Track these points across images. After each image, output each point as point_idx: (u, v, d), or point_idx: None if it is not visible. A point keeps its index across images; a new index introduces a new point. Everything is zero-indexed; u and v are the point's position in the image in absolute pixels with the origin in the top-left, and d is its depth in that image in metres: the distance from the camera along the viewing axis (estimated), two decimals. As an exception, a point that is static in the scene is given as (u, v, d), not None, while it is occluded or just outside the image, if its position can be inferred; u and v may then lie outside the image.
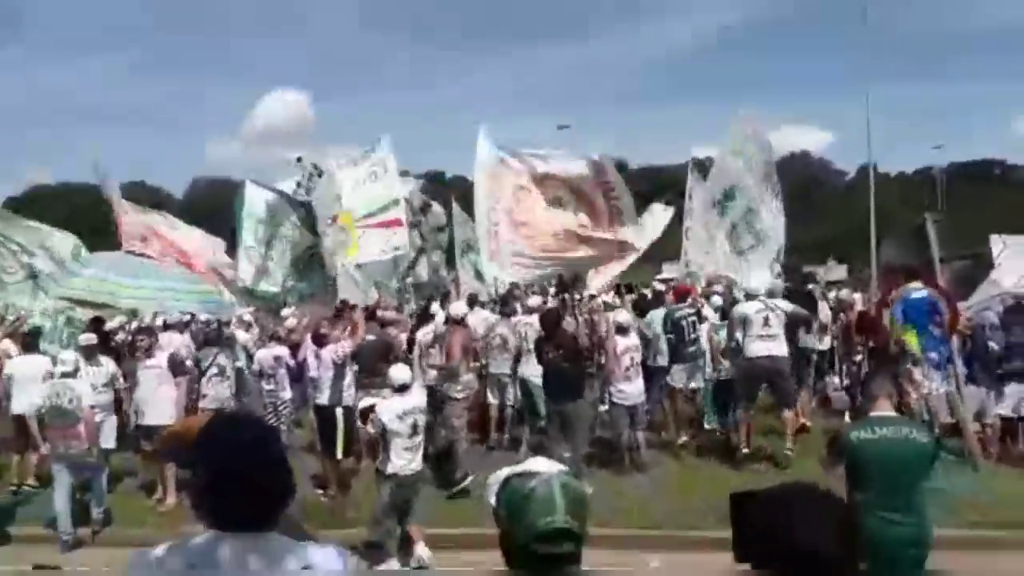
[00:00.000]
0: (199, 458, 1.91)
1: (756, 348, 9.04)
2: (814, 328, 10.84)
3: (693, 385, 9.87)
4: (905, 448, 4.36)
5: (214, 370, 9.54)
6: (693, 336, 9.77)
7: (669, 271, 24.30)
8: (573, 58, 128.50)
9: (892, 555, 4.13)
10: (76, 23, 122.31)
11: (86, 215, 60.11)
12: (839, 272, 33.06)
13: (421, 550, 6.91)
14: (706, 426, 10.24)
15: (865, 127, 12.52)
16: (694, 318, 9.84)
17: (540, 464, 2.04)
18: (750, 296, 9.73)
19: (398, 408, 6.83)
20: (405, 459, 6.78)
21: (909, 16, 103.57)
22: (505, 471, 2.06)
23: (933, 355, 8.61)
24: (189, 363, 9.18)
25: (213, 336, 10.23)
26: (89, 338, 8.84)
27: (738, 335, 9.28)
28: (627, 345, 9.16)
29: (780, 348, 9.11)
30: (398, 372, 7.12)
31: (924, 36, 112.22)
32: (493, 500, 2.00)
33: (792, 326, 9.41)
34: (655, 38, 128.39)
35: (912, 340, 8.54)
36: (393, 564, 6.82)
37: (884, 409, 4.58)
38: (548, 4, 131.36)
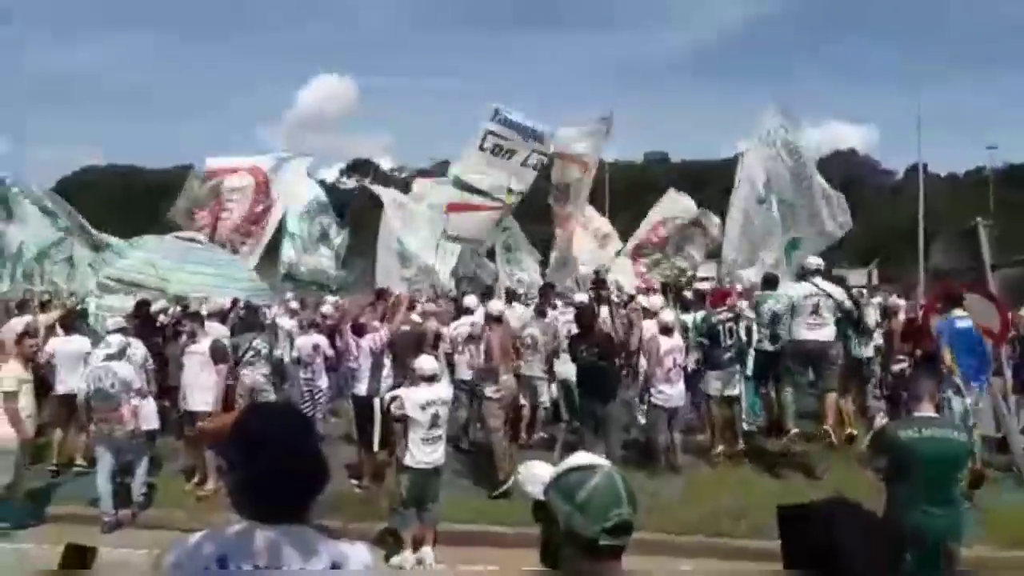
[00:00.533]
0: (234, 449, 1.96)
1: (803, 334, 8.88)
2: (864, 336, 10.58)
3: (728, 392, 9.50)
4: (947, 447, 4.78)
5: (250, 354, 9.67)
6: (729, 343, 9.47)
7: (705, 270, 23.96)
8: (613, 49, 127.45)
9: (934, 545, 4.62)
10: (118, 3, 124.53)
11: (134, 197, 61.55)
12: (859, 277, 32.01)
13: (425, 552, 6.99)
14: (744, 427, 10.00)
15: (915, 125, 12.09)
16: (731, 323, 9.56)
17: (590, 458, 2.05)
18: (800, 275, 9.42)
19: (421, 398, 6.86)
20: (424, 451, 6.82)
21: (963, 10, 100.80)
22: (540, 467, 2.07)
23: (982, 382, 8.42)
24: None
25: (250, 321, 10.38)
26: (118, 322, 8.94)
27: (785, 318, 9.19)
28: (671, 346, 9.07)
29: (829, 335, 8.91)
30: (425, 363, 7.13)
31: (978, 32, 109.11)
32: (541, 494, 1.98)
33: (841, 315, 9.10)
34: (702, 26, 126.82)
35: (956, 368, 8.25)
36: (407, 556, 6.95)
37: (928, 410, 4.97)
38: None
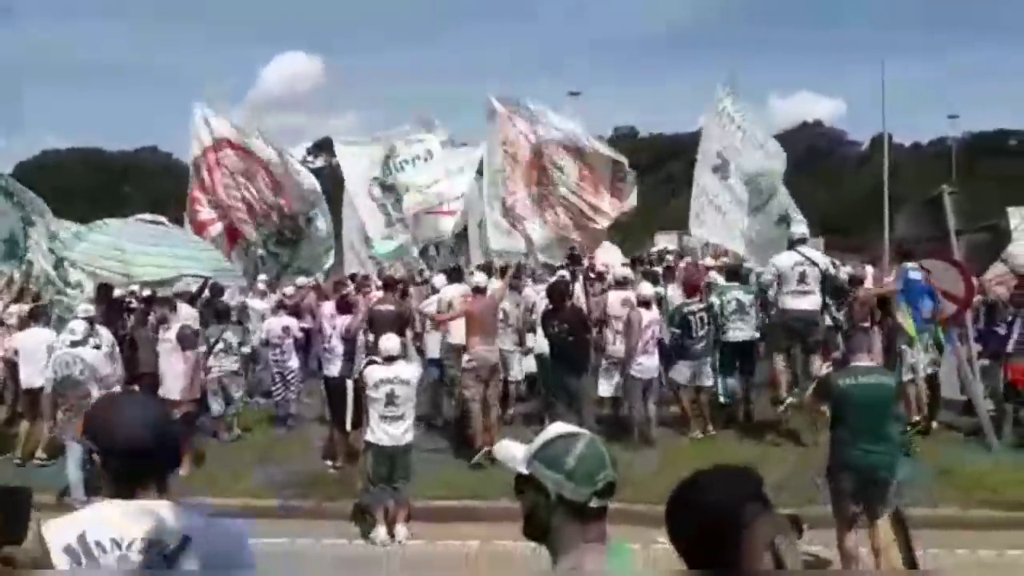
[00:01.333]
0: (89, 435, 2.14)
1: (791, 303, 9.00)
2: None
3: (700, 383, 9.53)
4: (879, 391, 5.44)
5: (220, 346, 9.62)
6: (701, 333, 9.43)
7: (663, 241, 24.08)
8: (581, 23, 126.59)
9: (870, 477, 5.37)
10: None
11: (97, 181, 60.39)
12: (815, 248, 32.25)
13: (399, 530, 7.07)
14: (721, 400, 10.04)
15: (880, 96, 12.19)
16: (703, 314, 9.52)
17: (568, 427, 2.12)
18: (789, 245, 9.49)
19: (377, 376, 6.97)
20: (382, 429, 6.92)
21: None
22: (511, 444, 2.13)
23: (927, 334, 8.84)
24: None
25: (217, 307, 10.27)
26: (87, 310, 8.80)
27: (771, 291, 9.37)
28: (650, 319, 9.11)
29: (814, 303, 9.06)
30: (385, 343, 7.21)
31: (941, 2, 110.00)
32: (525, 468, 2.03)
33: (825, 283, 9.21)
34: (664, 2, 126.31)
35: (909, 323, 8.51)
36: (380, 533, 7.01)
37: (863, 360, 5.65)
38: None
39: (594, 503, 1.97)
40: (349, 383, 8.46)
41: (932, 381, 9.52)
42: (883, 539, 4.50)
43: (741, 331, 9.64)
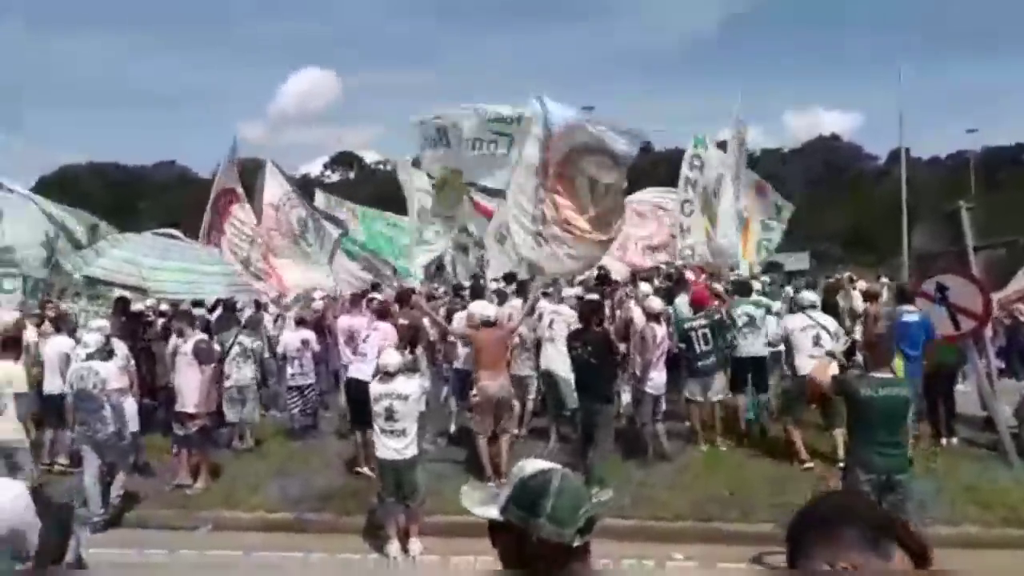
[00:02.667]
0: None
1: (808, 367, 8.47)
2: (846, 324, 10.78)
3: (712, 398, 9.48)
4: (896, 402, 5.84)
5: (236, 349, 9.68)
6: (705, 348, 9.35)
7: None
8: (595, 37, 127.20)
9: (886, 477, 5.75)
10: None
11: (113, 196, 61.01)
12: (801, 262, 32.08)
13: (413, 544, 7.04)
14: (749, 416, 9.92)
15: (897, 109, 12.27)
16: (705, 330, 9.41)
17: (538, 464, 2.04)
18: (793, 308, 9.53)
19: (376, 391, 7.01)
20: (382, 443, 6.94)
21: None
22: (476, 490, 2.10)
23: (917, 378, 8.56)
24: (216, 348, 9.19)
25: (228, 318, 10.37)
26: (102, 325, 8.86)
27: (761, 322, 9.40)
28: (662, 334, 9.08)
29: (834, 368, 8.87)
30: (384, 358, 7.23)
31: (956, 16, 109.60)
32: (499, 513, 1.96)
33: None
34: (680, 16, 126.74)
35: (898, 364, 8.39)
36: (393, 546, 7.01)
37: (884, 372, 5.96)
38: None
39: (578, 542, 1.90)
40: None
41: (948, 398, 9.42)
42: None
43: (753, 346, 9.59)
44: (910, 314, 8.80)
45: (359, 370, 8.69)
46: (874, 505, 1.87)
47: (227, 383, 9.74)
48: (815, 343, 8.78)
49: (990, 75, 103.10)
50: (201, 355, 8.58)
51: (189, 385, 8.57)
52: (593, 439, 8.04)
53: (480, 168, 12.07)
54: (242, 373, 9.79)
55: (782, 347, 9.51)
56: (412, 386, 7.07)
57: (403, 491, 6.99)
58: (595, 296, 10.46)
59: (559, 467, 2.02)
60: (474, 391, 8.72)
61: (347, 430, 9.98)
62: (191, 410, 8.51)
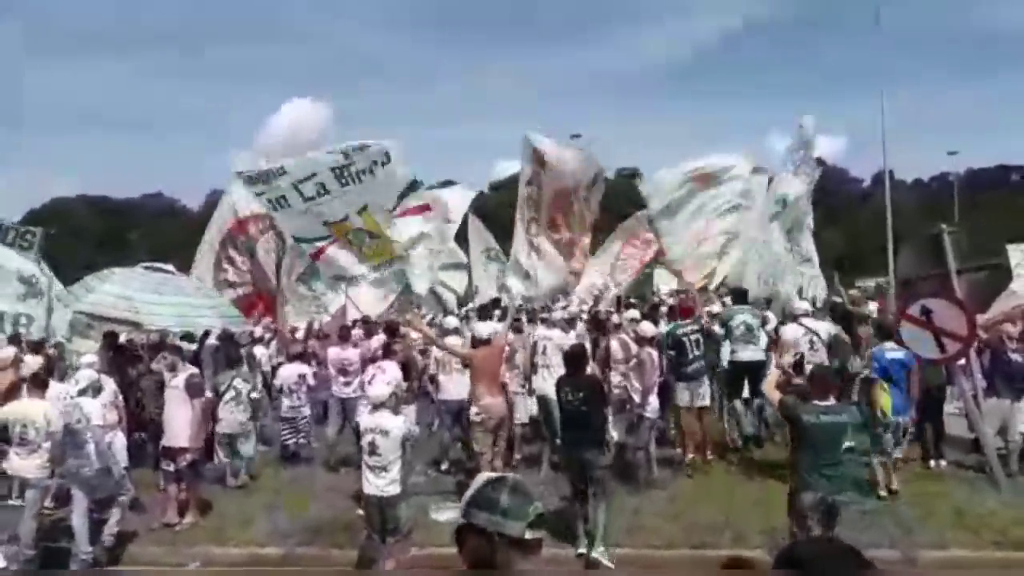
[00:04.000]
0: None
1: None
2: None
3: (698, 404, 9.59)
4: (837, 427, 6.13)
5: (231, 394, 9.65)
6: (696, 354, 9.55)
7: (663, 281, 24.08)
8: (580, 65, 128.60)
9: (827, 498, 6.03)
10: (90, 30, 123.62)
11: (104, 228, 60.93)
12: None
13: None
14: (748, 431, 10.11)
15: (880, 133, 12.43)
16: (697, 336, 9.63)
17: (493, 474, 2.42)
18: (789, 318, 9.70)
19: (363, 424, 6.97)
20: (367, 479, 6.85)
21: (922, 18, 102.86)
22: (444, 504, 2.40)
23: (900, 419, 8.68)
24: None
25: (229, 354, 10.32)
26: (89, 360, 8.83)
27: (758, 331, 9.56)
28: (656, 359, 9.18)
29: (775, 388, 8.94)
30: (373, 391, 7.26)
31: (938, 39, 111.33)
32: (463, 517, 2.24)
33: (834, 349, 9.27)
34: (671, 43, 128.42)
35: (886, 403, 8.52)
36: None
37: (826, 400, 6.30)
38: (553, 10, 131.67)
39: (529, 535, 2.19)
40: None
41: (936, 421, 9.50)
42: None
43: (749, 352, 9.68)
44: (893, 351, 8.81)
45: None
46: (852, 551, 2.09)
47: (219, 427, 9.72)
48: (811, 349, 9.01)
49: (970, 96, 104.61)
50: (192, 389, 8.56)
51: (179, 420, 8.52)
52: (588, 491, 7.38)
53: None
54: (233, 418, 9.74)
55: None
56: (396, 422, 6.96)
57: (387, 528, 6.88)
58: (569, 314, 10.72)
59: (511, 474, 2.37)
60: (476, 410, 8.71)
61: (337, 462, 9.98)
62: (182, 444, 8.47)
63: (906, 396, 8.69)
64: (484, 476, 2.36)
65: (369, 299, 13.75)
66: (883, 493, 8.35)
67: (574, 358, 7.96)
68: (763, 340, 9.98)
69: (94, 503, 7.79)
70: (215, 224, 13.75)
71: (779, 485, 8.60)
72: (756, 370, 9.79)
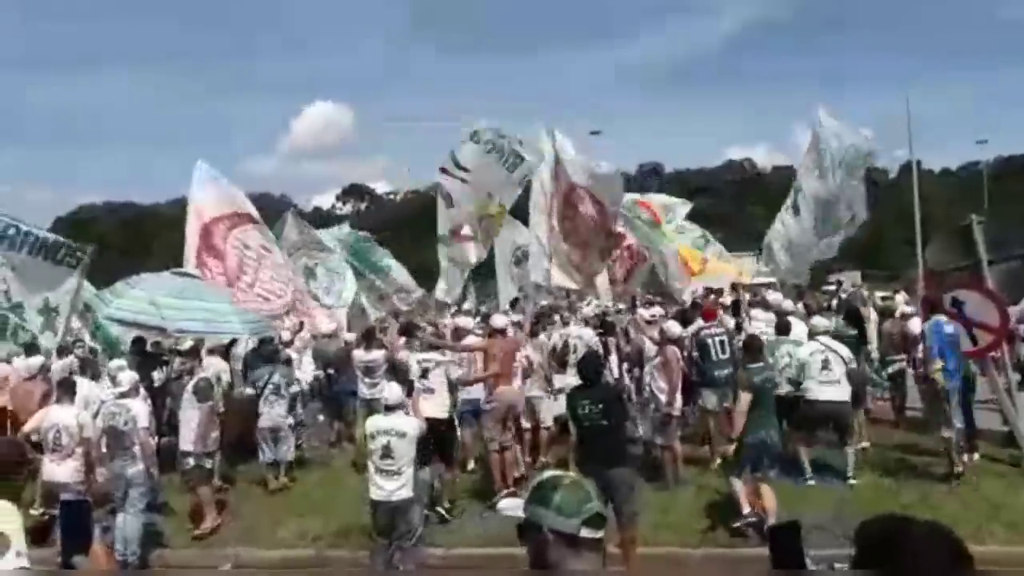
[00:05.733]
0: None
1: (817, 392, 8.74)
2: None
3: (726, 405, 9.24)
4: (770, 384, 7.80)
5: (270, 388, 9.74)
6: (722, 357, 9.35)
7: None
8: (600, 61, 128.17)
9: (774, 444, 7.60)
10: (108, 39, 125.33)
11: (129, 234, 61.65)
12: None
13: None
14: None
15: (907, 122, 12.17)
16: (722, 338, 9.47)
17: (553, 472, 2.37)
18: (809, 335, 9.43)
19: (373, 427, 6.82)
20: (377, 483, 6.67)
21: (951, 4, 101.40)
22: (508, 499, 2.36)
23: (957, 385, 8.56)
24: (219, 388, 9.14)
25: (267, 352, 10.42)
26: (120, 365, 8.94)
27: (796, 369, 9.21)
28: (679, 356, 9.12)
29: (843, 393, 8.79)
30: (388, 391, 7.05)
31: (966, 24, 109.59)
32: (522, 512, 2.22)
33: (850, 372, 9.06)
34: (693, 36, 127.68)
35: (940, 375, 8.38)
36: None
37: (760, 361, 7.96)
38: (573, 7, 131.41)
39: (584, 533, 2.13)
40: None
41: (968, 415, 9.32)
42: (765, 493, 7.41)
43: (787, 388, 9.54)
44: (948, 325, 8.55)
45: (427, 409, 8.16)
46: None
47: (260, 423, 9.82)
48: (823, 367, 8.77)
49: (999, 84, 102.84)
50: (200, 393, 8.61)
51: (189, 423, 8.61)
52: (615, 509, 6.51)
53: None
54: (275, 411, 9.82)
55: None
56: (412, 424, 6.83)
57: (398, 532, 6.73)
58: (593, 344, 10.20)
59: (571, 473, 2.36)
60: (489, 398, 8.67)
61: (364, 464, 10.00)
62: (186, 448, 8.55)
63: (955, 371, 8.53)
64: (546, 473, 2.32)
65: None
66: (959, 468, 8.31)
67: (590, 366, 7.38)
68: (794, 360, 9.67)
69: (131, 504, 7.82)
70: (188, 235, 13.52)
71: (808, 485, 8.58)
72: (792, 403, 9.55)
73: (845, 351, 9.11)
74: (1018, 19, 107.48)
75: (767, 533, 4.67)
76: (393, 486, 6.63)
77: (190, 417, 8.60)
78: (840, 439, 8.99)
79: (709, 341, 9.42)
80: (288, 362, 10.94)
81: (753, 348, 8.07)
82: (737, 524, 7.41)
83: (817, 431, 9.16)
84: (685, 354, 9.52)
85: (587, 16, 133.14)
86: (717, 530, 7.57)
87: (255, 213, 13.12)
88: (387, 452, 6.63)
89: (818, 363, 8.80)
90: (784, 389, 9.47)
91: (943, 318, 8.62)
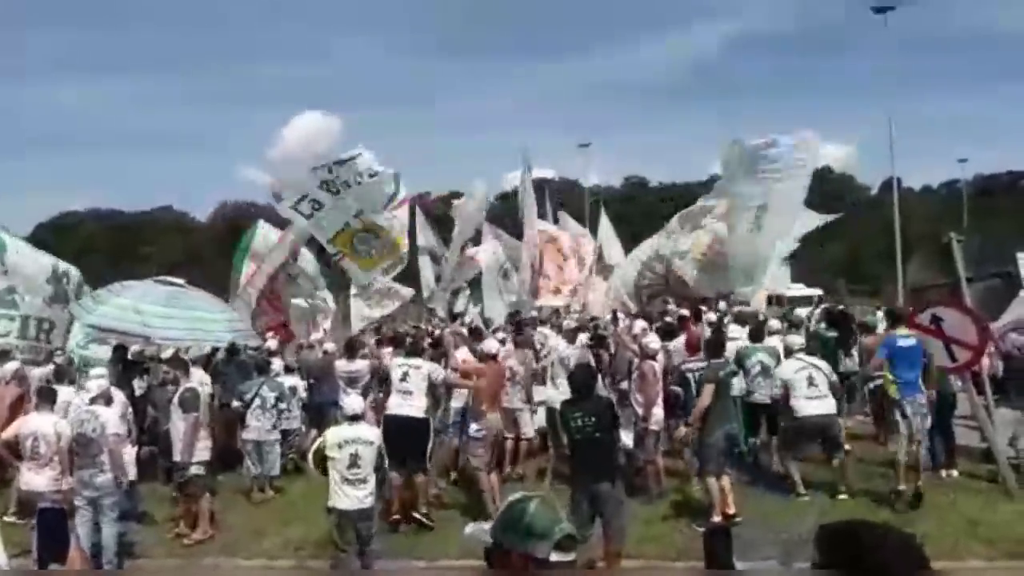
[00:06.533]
0: None
1: (806, 408, 8.82)
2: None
3: None
4: (729, 379, 8.59)
5: (257, 401, 9.72)
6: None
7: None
8: (588, 75, 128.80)
9: (733, 438, 8.45)
10: (100, 45, 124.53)
11: (114, 241, 61.22)
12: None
13: None
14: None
15: (888, 140, 12.44)
16: (702, 372, 9.26)
17: (522, 493, 2.28)
18: (787, 353, 9.55)
19: (340, 437, 6.85)
20: (345, 492, 6.73)
21: (932, 23, 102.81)
22: (476, 525, 2.29)
23: (919, 397, 8.51)
24: (204, 397, 9.07)
25: (261, 365, 10.44)
26: (100, 372, 8.87)
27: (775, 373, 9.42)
28: (659, 370, 9.19)
29: (829, 407, 8.90)
30: (349, 402, 7.22)
31: (947, 44, 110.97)
32: (489, 537, 2.16)
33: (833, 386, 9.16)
34: (678, 50, 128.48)
35: (892, 389, 8.55)
36: None
37: (720, 357, 8.75)
38: (561, 21, 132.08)
39: (555, 556, 2.08)
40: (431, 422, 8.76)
41: (947, 431, 9.44)
42: (726, 486, 7.98)
43: (765, 392, 9.64)
44: (904, 338, 8.70)
45: (400, 406, 8.61)
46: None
47: (245, 434, 9.81)
48: (809, 383, 8.86)
49: (980, 102, 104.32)
50: (185, 404, 8.54)
51: (176, 433, 8.57)
52: (600, 518, 6.72)
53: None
54: (259, 425, 9.80)
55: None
56: (375, 432, 7.06)
57: (361, 539, 6.83)
58: (572, 356, 10.28)
59: (540, 493, 2.27)
60: (476, 426, 8.71)
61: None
62: (175, 458, 8.54)
63: (917, 385, 8.53)
64: (512, 496, 2.26)
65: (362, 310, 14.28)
66: (902, 487, 8.26)
67: (583, 379, 7.35)
68: (778, 379, 9.74)
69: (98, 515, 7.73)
70: (276, 252, 13.89)
71: (791, 497, 8.64)
72: (772, 410, 9.66)
73: (826, 366, 9.24)
74: (1001, 35, 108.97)
75: (703, 535, 4.77)
76: (361, 494, 6.76)
77: (178, 428, 8.56)
78: (829, 453, 9.06)
79: (690, 376, 9.33)
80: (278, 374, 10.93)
81: (715, 345, 8.86)
82: (701, 528, 7.24)
83: (807, 446, 9.24)
84: (663, 372, 9.58)
85: (576, 28, 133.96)
86: (699, 543, 7.56)
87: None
88: (354, 461, 6.73)
89: (804, 380, 8.90)
90: (760, 398, 9.59)
91: (903, 332, 8.79)
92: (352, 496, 6.73)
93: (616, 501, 6.89)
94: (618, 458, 7.74)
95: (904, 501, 8.18)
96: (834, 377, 9.23)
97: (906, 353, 8.58)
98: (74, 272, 12.59)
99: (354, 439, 6.80)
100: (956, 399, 9.66)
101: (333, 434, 6.97)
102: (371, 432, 7.00)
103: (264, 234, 15.40)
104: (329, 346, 12.58)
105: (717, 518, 7.61)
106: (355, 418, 6.95)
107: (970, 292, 9.37)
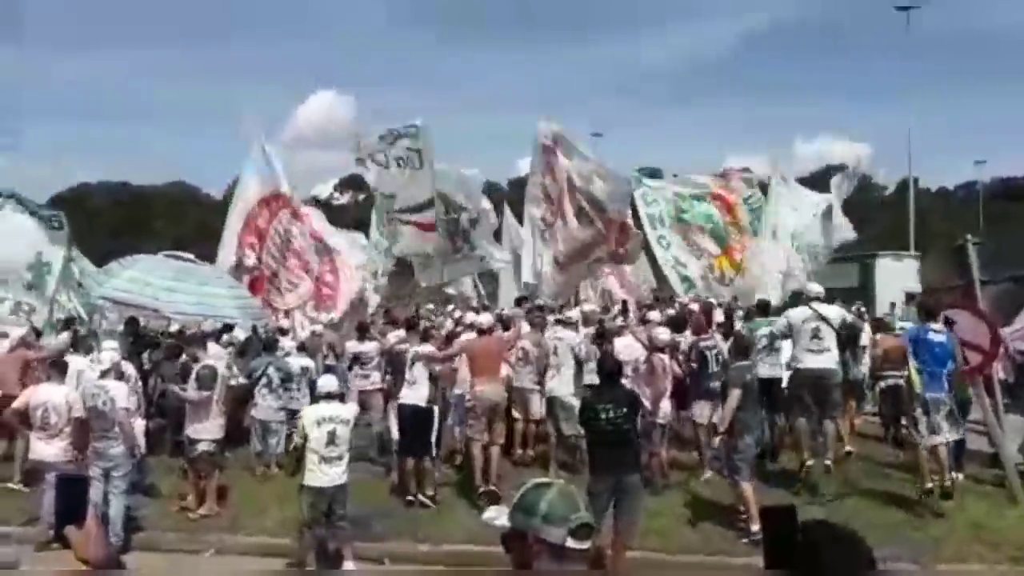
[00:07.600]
0: None
1: (806, 360, 8.82)
2: (860, 355, 10.80)
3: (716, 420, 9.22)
4: (755, 379, 8.11)
5: (263, 380, 9.76)
6: (716, 369, 9.25)
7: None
8: (603, 64, 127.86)
9: (760, 437, 8.11)
10: (114, 20, 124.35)
11: (125, 214, 61.36)
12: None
13: (348, 566, 6.95)
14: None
15: (906, 139, 12.47)
16: (716, 350, 9.42)
17: (542, 479, 2.30)
18: (798, 299, 9.53)
19: (318, 415, 6.98)
20: (322, 470, 6.86)
21: (951, 23, 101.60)
22: (495, 508, 2.29)
23: (941, 396, 8.20)
24: (223, 372, 9.11)
25: (270, 343, 10.50)
26: (112, 344, 8.90)
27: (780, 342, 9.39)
28: (667, 363, 9.14)
29: (830, 361, 8.84)
30: (324, 381, 7.39)
31: (965, 44, 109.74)
32: (508, 521, 2.17)
33: (842, 340, 9.06)
34: (694, 42, 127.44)
35: (916, 379, 8.32)
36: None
37: (745, 361, 8.18)
38: (577, 10, 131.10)
39: (570, 543, 2.08)
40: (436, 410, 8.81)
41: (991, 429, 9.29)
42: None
43: (769, 367, 9.58)
44: (935, 332, 8.37)
45: (406, 396, 8.77)
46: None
47: (254, 412, 9.91)
48: (813, 335, 8.81)
49: (998, 105, 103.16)
50: (201, 381, 8.59)
51: (192, 410, 8.61)
52: (621, 511, 6.64)
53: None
54: (266, 404, 9.86)
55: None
56: (352, 410, 7.30)
57: (335, 516, 6.96)
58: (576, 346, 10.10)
59: (560, 480, 2.29)
60: (469, 397, 8.81)
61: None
62: (187, 435, 8.60)
63: (942, 381, 8.26)
64: (532, 481, 2.26)
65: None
66: (928, 485, 8.07)
67: (607, 370, 7.29)
68: (784, 354, 9.70)
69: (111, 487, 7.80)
70: (235, 209, 13.70)
71: (795, 494, 8.61)
72: (774, 386, 9.58)
73: (836, 316, 9.11)
74: (1018, 41, 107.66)
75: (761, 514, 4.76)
76: (337, 471, 6.93)
77: (195, 404, 8.60)
78: (821, 412, 8.93)
79: (707, 353, 9.40)
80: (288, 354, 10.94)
81: (741, 346, 8.40)
82: (745, 540, 7.24)
83: (803, 400, 9.02)
84: (682, 359, 9.60)
85: (590, 17, 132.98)
86: (704, 539, 7.59)
87: (288, 192, 13.42)
88: (332, 439, 6.90)
89: (809, 331, 8.85)
90: (765, 372, 9.48)
91: (935, 325, 8.49)
92: (330, 473, 6.89)
93: (641, 494, 6.89)
94: (641, 451, 7.66)
95: (935, 499, 8.05)
96: (848, 318, 9.31)
97: (934, 347, 8.29)
98: (57, 265, 12.21)
99: (331, 417, 6.95)
100: (971, 406, 9.57)
101: (311, 412, 7.13)
102: (348, 410, 7.21)
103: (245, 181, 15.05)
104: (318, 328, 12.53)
105: (756, 527, 7.01)
106: (330, 396, 7.10)
107: (984, 295, 9.27)
